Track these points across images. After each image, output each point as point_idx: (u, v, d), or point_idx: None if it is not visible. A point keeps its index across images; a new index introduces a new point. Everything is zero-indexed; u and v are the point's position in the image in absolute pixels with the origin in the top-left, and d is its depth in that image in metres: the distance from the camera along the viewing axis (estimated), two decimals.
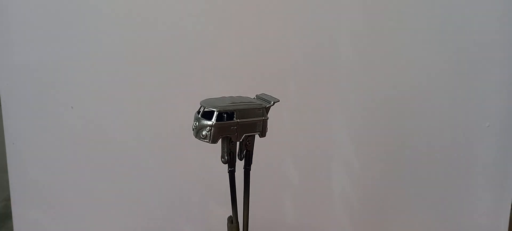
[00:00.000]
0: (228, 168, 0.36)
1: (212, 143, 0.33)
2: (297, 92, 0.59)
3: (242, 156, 0.36)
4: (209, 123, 0.32)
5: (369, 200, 0.63)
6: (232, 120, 0.33)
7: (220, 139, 0.34)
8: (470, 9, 0.57)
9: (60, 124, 0.62)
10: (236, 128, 0.34)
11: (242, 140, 0.35)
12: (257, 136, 0.36)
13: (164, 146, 0.62)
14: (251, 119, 0.34)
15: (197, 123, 0.33)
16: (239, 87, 0.59)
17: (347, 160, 0.61)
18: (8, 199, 0.68)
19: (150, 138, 0.62)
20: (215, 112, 0.33)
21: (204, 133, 0.33)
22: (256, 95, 0.37)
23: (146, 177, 0.63)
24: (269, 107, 0.36)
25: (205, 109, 0.33)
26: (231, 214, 0.38)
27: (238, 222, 0.37)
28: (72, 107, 0.61)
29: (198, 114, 0.33)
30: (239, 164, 0.37)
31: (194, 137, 0.34)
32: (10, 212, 0.67)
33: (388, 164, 0.62)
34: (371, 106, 0.60)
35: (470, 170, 0.62)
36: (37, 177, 0.65)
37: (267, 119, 0.35)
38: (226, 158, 0.35)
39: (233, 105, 0.34)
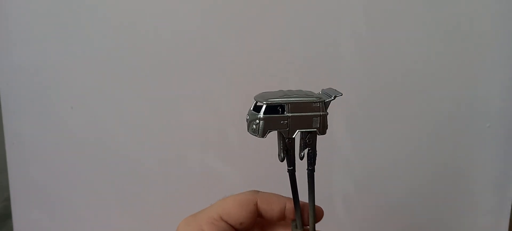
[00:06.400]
0: (287, 167, 0.33)
1: (261, 137, 0.31)
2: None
3: (302, 155, 0.33)
4: (259, 116, 0.31)
5: (368, 200, 0.63)
6: (284, 113, 0.31)
7: (278, 136, 0.33)
8: (470, 9, 0.57)
9: (60, 124, 0.62)
10: (287, 122, 0.32)
11: (301, 138, 0.33)
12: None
13: (164, 146, 0.62)
14: (305, 113, 0.32)
15: (248, 117, 0.32)
16: (239, 87, 0.59)
17: (347, 160, 0.61)
18: (8, 199, 0.68)
19: (151, 138, 0.62)
20: (264, 105, 0.31)
21: (253, 126, 0.31)
22: (322, 90, 0.34)
23: (146, 177, 0.63)
24: (329, 102, 0.33)
25: (258, 104, 0.32)
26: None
27: (303, 227, 0.35)
28: (72, 107, 0.61)
29: (251, 108, 0.32)
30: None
31: (247, 131, 0.32)
32: (10, 212, 0.67)
33: (388, 164, 0.62)
34: (371, 107, 0.60)
35: (471, 170, 0.62)
36: (37, 177, 0.65)
37: (327, 114, 0.32)
38: (282, 155, 0.33)
39: (284, 97, 0.31)
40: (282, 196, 0.34)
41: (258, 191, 0.34)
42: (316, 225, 0.35)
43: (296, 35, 0.57)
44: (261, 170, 0.60)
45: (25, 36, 0.60)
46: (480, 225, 0.64)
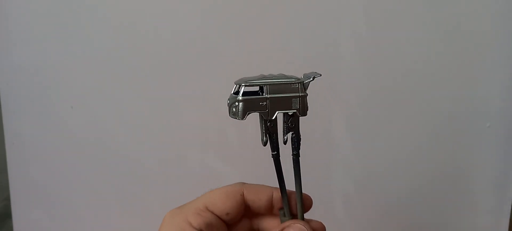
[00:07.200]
0: (271, 152, 0.33)
1: (240, 119, 0.31)
2: None
3: (286, 139, 0.33)
4: (237, 98, 0.31)
5: (368, 200, 0.63)
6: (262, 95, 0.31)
7: (260, 120, 0.33)
8: (470, 9, 0.57)
9: (60, 124, 0.62)
10: (266, 104, 0.32)
11: (284, 121, 0.33)
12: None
13: (164, 146, 0.62)
14: (283, 95, 0.32)
15: (229, 101, 0.32)
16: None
17: (347, 159, 0.61)
18: (8, 199, 0.68)
19: (151, 138, 0.62)
20: (242, 87, 0.31)
21: (233, 109, 0.32)
22: (304, 74, 0.35)
23: (146, 177, 0.63)
24: (308, 83, 0.33)
25: (239, 88, 0.32)
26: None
27: (291, 215, 0.34)
28: (72, 107, 0.61)
29: (232, 92, 0.32)
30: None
31: (229, 116, 0.32)
32: (10, 212, 0.67)
33: (388, 164, 0.62)
34: (371, 107, 0.60)
35: (471, 170, 0.62)
36: (37, 177, 0.65)
37: (306, 95, 0.33)
38: (264, 139, 0.33)
39: (262, 79, 0.32)
40: (269, 186, 0.34)
41: (245, 183, 0.34)
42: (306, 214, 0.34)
43: (296, 35, 0.57)
44: (261, 170, 0.60)
45: (25, 36, 0.60)
46: (480, 225, 0.64)
